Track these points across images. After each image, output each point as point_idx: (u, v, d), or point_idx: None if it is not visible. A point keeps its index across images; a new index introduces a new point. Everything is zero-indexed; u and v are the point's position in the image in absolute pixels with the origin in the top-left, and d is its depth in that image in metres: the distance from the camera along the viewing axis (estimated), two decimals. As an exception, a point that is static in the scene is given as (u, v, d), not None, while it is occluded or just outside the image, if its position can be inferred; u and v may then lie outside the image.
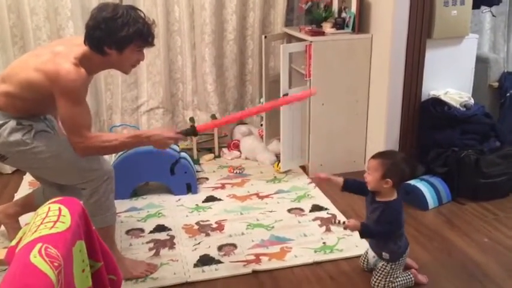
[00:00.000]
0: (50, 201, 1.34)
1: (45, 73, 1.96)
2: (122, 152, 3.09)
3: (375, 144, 3.29)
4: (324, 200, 3.01)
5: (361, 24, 3.25)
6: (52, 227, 1.20)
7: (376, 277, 2.16)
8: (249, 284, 2.24)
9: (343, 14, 3.35)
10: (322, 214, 2.83)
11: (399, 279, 2.16)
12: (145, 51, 3.43)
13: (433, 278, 2.26)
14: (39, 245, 1.11)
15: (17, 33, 3.31)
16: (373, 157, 2.12)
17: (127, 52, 2.04)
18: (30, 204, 2.48)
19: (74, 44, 2.07)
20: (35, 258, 1.06)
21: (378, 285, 2.15)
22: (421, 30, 2.96)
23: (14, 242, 1.32)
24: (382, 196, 2.11)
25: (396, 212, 2.10)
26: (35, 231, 1.19)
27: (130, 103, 3.67)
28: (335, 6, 3.43)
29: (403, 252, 2.15)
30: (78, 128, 2.01)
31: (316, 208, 2.89)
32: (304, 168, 3.47)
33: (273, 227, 2.71)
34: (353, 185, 2.24)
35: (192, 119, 3.71)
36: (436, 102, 3.12)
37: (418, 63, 3.02)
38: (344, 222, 2.11)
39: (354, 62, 3.23)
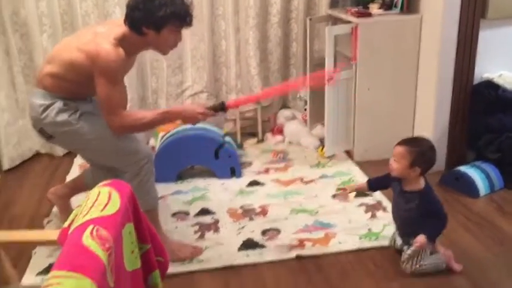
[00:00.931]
0: (100, 184, 1.37)
1: (86, 53, 2.02)
2: (167, 136, 3.14)
3: (424, 129, 3.18)
4: (369, 186, 2.95)
5: (410, 4, 3.14)
6: (103, 209, 1.22)
7: (405, 258, 2.12)
8: (293, 269, 2.24)
9: (392, -6, 3.24)
10: (368, 200, 2.79)
11: (429, 261, 2.11)
12: (190, 35, 3.53)
13: (483, 268, 2.19)
14: (90, 227, 1.14)
15: (67, 19, 3.39)
16: (400, 144, 2.06)
17: (164, 32, 2.07)
18: (80, 186, 2.56)
19: (115, 24, 2.12)
20: (87, 240, 1.09)
21: (406, 267, 2.11)
22: (474, 9, 2.82)
23: (66, 224, 1.36)
24: (410, 185, 2.07)
25: (435, 200, 2.07)
26: (87, 213, 1.22)
27: (175, 87, 3.71)
28: (383, -14, 3.32)
29: (440, 231, 2.10)
30: (114, 107, 2.06)
31: (361, 194, 2.84)
32: (348, 153, 3.42)
33: (317, 212, 2.69)
34: (376, 183, 2.26)
35: (235, 103, 3.71)
36: (490, 85, 2.99)
37: (470, 44, 2.90)
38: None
39: (402, 44, 3.12)
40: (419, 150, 2.02)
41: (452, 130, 3.07)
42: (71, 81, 2.12)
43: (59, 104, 2.13)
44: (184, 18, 2.08)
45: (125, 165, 2.21)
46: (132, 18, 2.05)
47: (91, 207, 1.25)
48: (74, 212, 1.38)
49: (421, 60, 3.15)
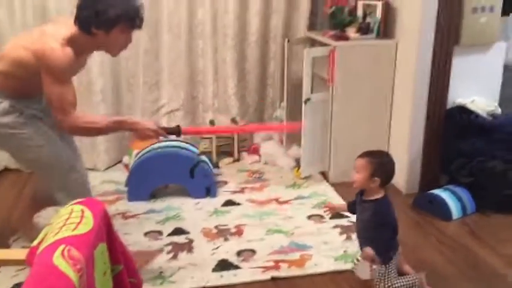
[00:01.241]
0: (72, 202, 1.33)
1: (32, 51, 1.99)
2: (141, 154, 3.09)
3: (398, 152, 3.22)
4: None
5: (386, 29, 3.20)
6: (75, 228, 1.18)
7: (376, 281, 2.12)
8: (268, 291, 2.21)
9: (368, 19, 3.30)
10: (343, 222, 2.78)
11: (402, 282, 2.11)
12: (167, 52, 3.51)
13: (457, 291, 2.20)
14: (62, 247, 1.10)
15: None
16: (360, 156, 2.12)
17: (114, 33, 2.06)
18: (37, 203, 2.50)
19: (64, 24, 2.09)
20: (58, 260, 1.04)
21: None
22: (448, 36, 2.90)
23: (35, 243, 1.31)
24: (370, 195, 2.12)
25: (388, 212, 2.11)
26: (58, 232, 1.17)
27: (151, 104, 3.67)
28: (359, 11, 3.39)
29: (394, 253, 2.12)
30: (63, 106, 2.02)
31: (336, 215, 2.83)
32: (324, 174, 3.42)
33: (292, 234, 2.67)
34: (354, 204, 2.25)
35: (212, 122, 3.70)
36: (462, 110, 3.05)
37: (444, 70, 2.96)
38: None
39: (378, 67, 3.18)
40: (379, 161, 2.07)
41: (426, 153, 3.12)
42: (19, 78, 2.08)
43: (4, 105, 2.08)
44: (133, 19, 2.08)
45: (63, 183, 2.18)
46: (81, 19, 2.03)
47: (62, 226, 1.21)
48: (43, 230, 1.33)
49: (396, 83, 3.21)
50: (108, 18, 2.00)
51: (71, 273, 1.03)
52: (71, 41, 2.01)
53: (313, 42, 3.60)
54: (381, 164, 2.07)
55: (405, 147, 3.13)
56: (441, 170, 3.14)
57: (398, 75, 3.18)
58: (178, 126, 2.32)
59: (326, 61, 3.19)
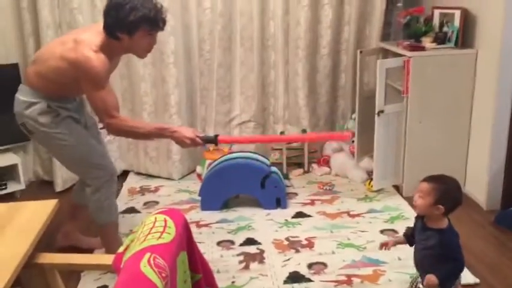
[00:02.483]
0: (155, 212, 1.39)
1: (69, 61, 2.13)
2: (214, 164, 3.16)
3: (478, 166, 3.08)
4: (419, 223, 2.87)
5: (464, 38, 3.08)
6: (159, 237, 1.23)
7: None
8: (341, 306, 2.17)
9: (445, 29, 3.19)
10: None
11: None
12: (239, 65, 3.58)
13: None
14: (148, 255, 1.15)
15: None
16: (425, 180, 1.98)
17: (137, 36, 2.17)
18: (76, 210, 2.65)
19: (96, 31, 2.20)
20: (145, 268, 1.09)
21: None
22: (533, 45, 2.74)
23: (121, 249, 1.38)
24: (432, 222, 1.97)
25: (454, 244, 1.94)
26: (144, 240, 1.23)
27: (223, 116, 3.75)
28: (436, 21, 3.29)
29: (454, 280, 1.96)
30: (106, 109, 2.17)
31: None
32: (397, 188, 3.33)
33: (365, 248, 2.62)
34: (413, 234, 2.09)
35: (282, 133, 3.72)
36: (550, 122, 2.86)
37: (529, 80, 2.80)
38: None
39: (455, 78, 3.06)
40: (445, 188, 1.92)
41: (509, 168, 2.95)
42: (56, 82, 2.22)
43: (42, 105, 2.22)
44: (155, 21, 2.18)
45: (88, 177, 2.36)
46: (107, 25, 2.16)
47: (147, 235, 1.26)
48: (129, 237, 1.40)
49: (476, 95, 3.07)
50: (130, 22, 2.12)
51: (158, 281, 1.07)
52: (102, 47, 2.15)
53: (385, 53, 3.53)
54: (447, 191, 1.92)
55: (486, 161, 2.98)
56: (525, 185, 2.96)
57: (478, 86, 3.05)
58: (216, 135, 2.41)
59: (400, 72, 3.12)
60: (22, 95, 2.26)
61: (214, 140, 2.37)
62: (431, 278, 1.90)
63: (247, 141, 2.86)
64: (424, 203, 1.94)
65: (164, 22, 2.23)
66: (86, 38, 2.16)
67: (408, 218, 2.93)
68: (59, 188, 3.43)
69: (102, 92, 2.14)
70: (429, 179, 1.98)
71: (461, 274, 2.00)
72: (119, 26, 2.14)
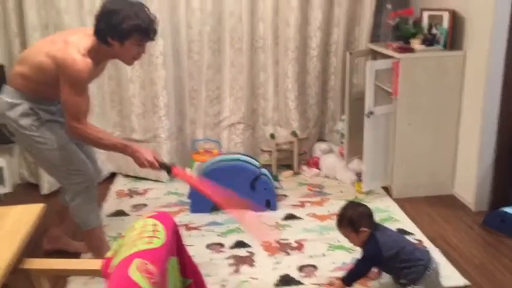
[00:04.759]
0: (145, 216, 1.37)
1: (54, 60, 2.11)
2: (203, 167, 3.14)
3: (466, 168, 3.10)
4: (409, 224, 2.88)
5: (453, 40, 3.10)
6: (149, 242, 1.21)
7: None
8: (331, 309, 2.17)
9: (434, 30, 3.21)
10: (408, 237, 2.68)
11: None
12: (229, 67, 3.57)
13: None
14: (137, 260, 1.13)
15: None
16: (338, 227, 2.24)
17: (127, 44, 2.17)
18: (63, 212, 2.61)
19: (86, 34, 2.19)
20: (135, 274, 1.07)
21: None
22: (521, 47, 2.76)
23: (109, 254, 1.35)
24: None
25: (369, 246, 2.15)
26: (133, 245, 1.20)
27: (213, 118, 3.73)
28: (425, 22, 3.30)
29: (421, 272, 2.09)
30: (77, 113, 2.15)
31: (401, 232, 2.74)
32: (386, 189, 3.34)
33: (355, 250, 2.61)
34: (352, 275, 2.23)
35: (272, 135, 3.71)
36: (537, 124, 2.89)
37: (517, 82, 2.82)
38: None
39: (444, 79, 3.07)
40: (348, 219, 2.16)
41: (497, 169, 2.97)
42: (39, 82, 2.20)
43: (24, 107, 2.20)
44: (146, 32, 2.17)
45: (66, 183, 2.34)
46: (99, 29, 2.15)
47: (137, 239, 1.24)
48: (118, 242, 1.37)
49: (464, 97, 3.09)
50: (123, 30, 2.11)
51: (147, 287, 1.05)
52: (91, 51, 2.13)
53: (375, 55, 3.54)
54: (351, 219, 2.15)
55: (474, 162, 3.00)
56: (513, 186, 2.98)
57: (466, 87, 3.06)
58: (172, 165, 2.40)
59: (389, 73, 3.13)
60: (5, 96, 2.23)
61: (168, 170, 2.37)
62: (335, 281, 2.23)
63: (196, 186, 2.69)
64: (353, 240, 2.21)
65: (155, 33, 2.23)
66: (75, 40, 2.15)
67: (398, 219, 2.94)
68: (44, 190, 3.38)
69: (78, 96, 2.13)
70: (337, 225, 2.24)
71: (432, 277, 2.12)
72: (111, 32, 2.13)
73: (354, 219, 2.17)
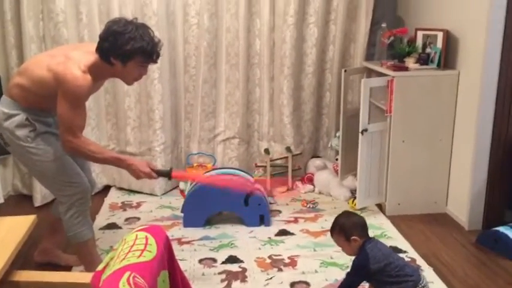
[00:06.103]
0: (136, 229, 1.36)
1: (54, 74, 2.12)
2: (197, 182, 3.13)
3: (459, 186, 3.11)
4: (402, 242, 2.87)
5: (447, 59, 3.13)
6: (140, 255, 1.20)
7: None
8: (323, 326, 2.15)
9: (428, 50, 3.25)
10: (401, 255, 2.68)
11: None
12: (225, 82, 3.59)
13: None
14: (127, 274, 1.12)
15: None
16: (331, 235, 2.23)
17: (130, 65, 2.18)
18: (55, 225, 2.59)
19: (87, 51, 2.21)
20: (125, 287, 1.06)
21: None
22: (514, 67, 2.80)
23: (100, 267, 1.35)
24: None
25: (359, 258, 2.14)
26: (123, 258, 1.20)
27: (208, 132, 3.74)
28: (419, 41, 3.34)
29: None
30: (72, 128, 2.15)
31: (394, 250, 2.73)
32: (380, 206, 3.34)
33: (347, 267, 2.60)
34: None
35: (266, 151, 3.72)
36: (530, 143, 2.91)
37: (510, 101, 2.85)
38: None
39: (438, 98, 3.10)
40: (339, 227, 2.16)
41: (490, 188, 2.98)
42: (37, 94, 2.21)
43: (21, 118, 2.20)
44: (150, 54, 2.19)
45: (60, 195, 2.33)
46: (102, 48, 2.16)
47: (127, 253, 1.24)
48: (109, 255, 1.37)
49: (457, 115, 3.11)
50: (127, 51, 2.13)
51: (137, 301, 1.04)
52: (91, 68, 2.14)
53: (369, 72, 3.58)
54: (342, 227, 2.15)
55: (468, 180, 3.01)
56: (507, 205, 2.99)
57: (460, 106, 3.09)
58: (170, 169, 2.42)
59: (384, 91, 3.15)
60: (2, 106, 2.24)
61: (168, 175, 2.39)
62: None
63: (201, 181, 2.81)
64: (345, 248, 2.19)
65: (158, 56, 2.25)
66: (76, 56, 2.16)
67: (391, 236, 2.94)
68: (38, 202, 3.36)
69: (74, 111, 2.13)
70: (331, 233, 2.23)
71: None
72: (115, 53, 2.14)
73: (346, 227, 2.16)
